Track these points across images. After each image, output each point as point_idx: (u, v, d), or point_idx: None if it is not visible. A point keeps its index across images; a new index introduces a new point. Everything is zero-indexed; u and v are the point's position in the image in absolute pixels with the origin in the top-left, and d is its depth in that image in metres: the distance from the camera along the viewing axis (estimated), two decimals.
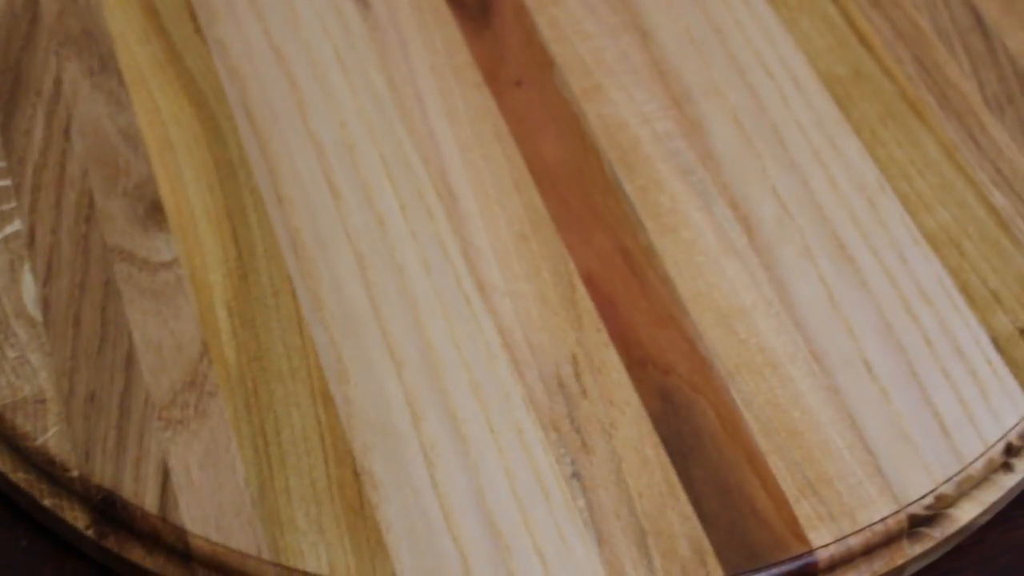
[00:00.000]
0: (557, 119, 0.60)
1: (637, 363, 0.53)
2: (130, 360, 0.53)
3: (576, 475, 0.50)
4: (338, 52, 0.62)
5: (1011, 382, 0.53)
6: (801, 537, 0.49)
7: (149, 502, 0.50)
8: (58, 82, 0.61)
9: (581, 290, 0.55)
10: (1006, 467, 0.52)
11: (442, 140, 0.59)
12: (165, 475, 0.50)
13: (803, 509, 0.50)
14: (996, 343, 0.54)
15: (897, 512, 0.50)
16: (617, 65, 0.62)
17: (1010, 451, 0.52)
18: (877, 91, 0.61)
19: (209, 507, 0.50)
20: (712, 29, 0.63)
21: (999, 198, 0.58)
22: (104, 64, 0.62)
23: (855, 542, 0.49)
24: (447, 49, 0.62)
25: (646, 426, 0.52)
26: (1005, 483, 0.52)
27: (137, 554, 0.49)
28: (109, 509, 0.50)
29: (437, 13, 0.63)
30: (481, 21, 0.63)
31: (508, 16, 0.63)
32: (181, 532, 0.49)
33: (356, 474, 0.50)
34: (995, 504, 0.51)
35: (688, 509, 0.50)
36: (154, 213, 0.57)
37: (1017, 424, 0.52)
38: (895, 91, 0.61)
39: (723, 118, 0.60)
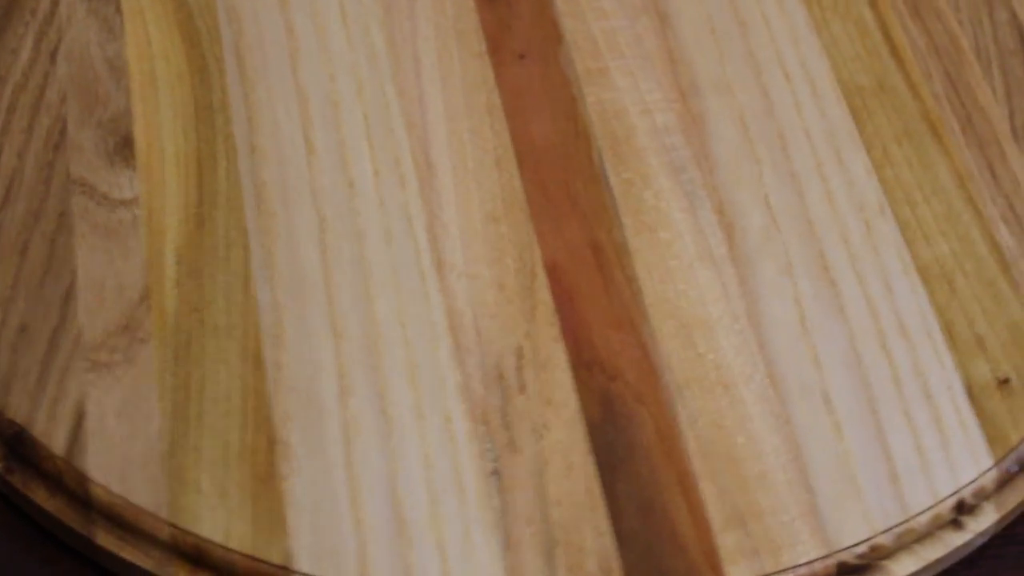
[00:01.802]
0: (554, 98, 0.58)
1: (584, 364, 0.51)
2: (69, 296, 0.52)
3: (496, 473, 0.48)
4: (343, 4, 0.60)
5: (977, 435, 0.50)
6: (717, 570, 0.47)
7: (57, 444, 0.49)
8: (55, 3, 0.60)
9: (542, 280, 0.52)
10: (955, 524, 0.48)
11: (430, 107, 0.57)
12: (79, 418, 0.49)
13: (726, 541, 0.47)
14: (969, 391, 0.51)
15: (826, 557, 0.47)
16: (628, 48, 0.59)
17: (962, 508, 0.48)
18: (898, 107, 0.58)
19: (117, 457, 0.48)
20: (736, 21, 0.60)
21: (1006, 236, 0.54)
22: None
23: None
24: (455, 12, 0.60)
25: (579, 431, 0.49)
26: (952, 541, 0.48)
27: (40, 495, 0.48)
28: (18, 445, 0.48)
29: None
30: None
31: None
32: (83, 478, 0.48)
33: (271, 442, 0.49)
34: (938, 562, 0.48)
35: (605, 524, 0.47)
36: (123, 149, 0.55)
37: (974, 480, 0.49)
38: (917, 109, 0.58)
39: (728, 117, 0.57)
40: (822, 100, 0.58)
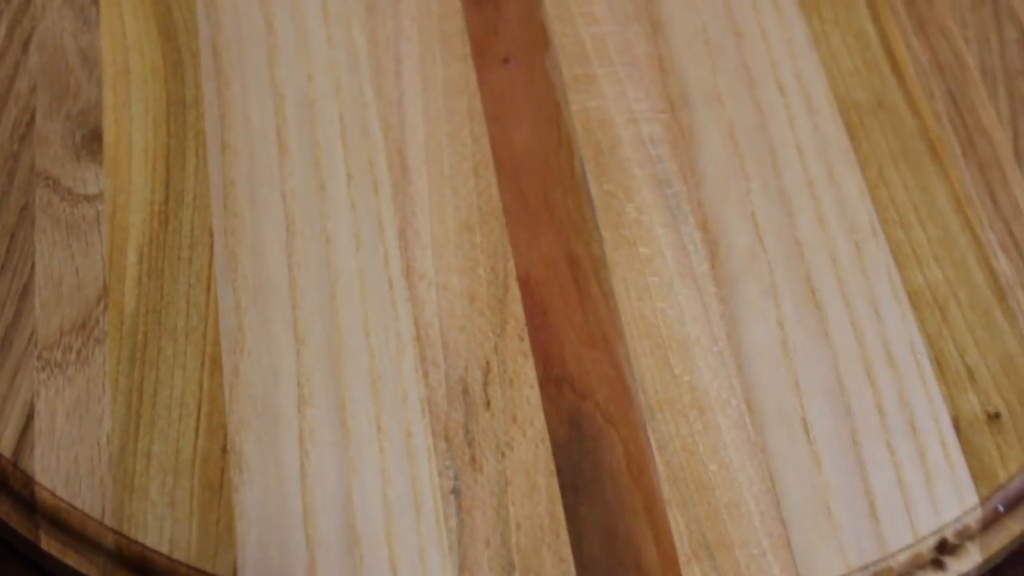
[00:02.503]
0: (537, 105, 0.56)
1: (553, 381, 0.49)
2: (26, 292, 0.50)
3: (456, 491, 0.46)
4: (325, 0, 0.58)
5: (963, 471, 0.47)
6: None
7: (4, 444, 0.47)
8: None
9: (515, 293, 0.50)
10: (936, 565, 0.46)
11: (409, 109, 0.55)
12: (29, 418, 0.47)
13: (692, 572, 0.45)
14: (957, 425, 0.48)
15: None
16: (617, 55, 0.57)
17: (944, 548, 0.46)
18: (897, 125, 0.56)
19: (64, 460, 0.47)
20: (732, 31, 0.58)
21: (1003, 264, 0.52)
22: None
23: None
24: (441, 12, 0.58)
25: (544, 451, 0.47)
26: None
27: None
28: None
29: None
30: None
31: None
32: (29, 480, 0.46)
33: (224, 451, 0.47)
34: None
35: (566, 550, 0.45)
36: (91, 142, 0.54)
37: (958, 519, 0.46)
38: (917, 127, 0.56)
39: (718, 130, 0.55)
40: (817, 116, 0.56)
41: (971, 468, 0.48)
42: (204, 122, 0.54)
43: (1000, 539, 0.47)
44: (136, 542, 0.45)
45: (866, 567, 0.45)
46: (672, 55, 0.57)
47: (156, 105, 0.55)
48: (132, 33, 0.57)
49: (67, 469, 0.46)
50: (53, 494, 0.46)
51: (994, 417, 0.49)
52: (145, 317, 0.49)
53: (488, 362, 0.49)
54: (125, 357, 0.48)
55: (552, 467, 0.47)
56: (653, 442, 0.47)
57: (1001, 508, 0.47)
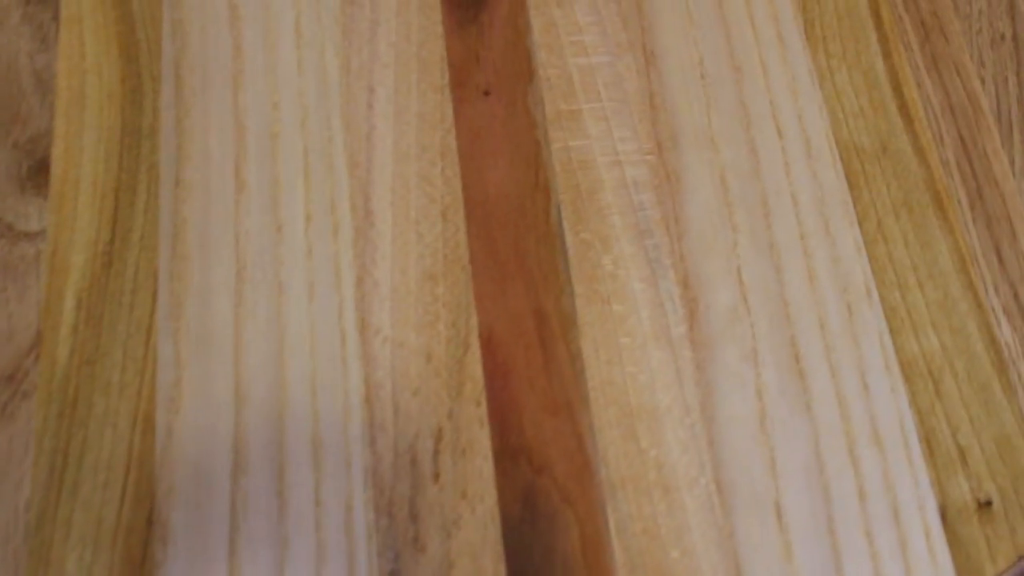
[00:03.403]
0: (516, 143, 0.52)
1: (509, 453, 0.45)
2: None
3: (394, 574, 0.43)
4: (299, 21, 0.55)
5: (947, 565, 0.43)
6: None
7: None
8: None
9: (475, 352, 0.47)
10: None
11: (379, 144, 0.51)
12: None
13: None
14: (944, 513, 0.44)
15: None
16: (606, 90, 0.53)
17: None
18: (901, 173, 0.51)
19: None
20: (731, 66, 0.54)
21: (1006, 332, 0.48)
22: None
23: None
24: (420, 38, 0.54)
25: (494, 532, 0.44)
26: None
27: None
28: None
29: None
30: (470, 12, 0.55)
31: (501, 11, 0.55)
32: None
33: (150, 522, 0.43)
34: None
35: None
36: (37, 174, 0.50)
37: None
38: (922, 176, 0.51)
39: (708, 175, 0.51)
40: (816, 161, 0.52)
41: (956, 562, 0.44)
42: (159, 154, 0.51)
43: None
44: None
45: None
46: (664, 90, 0.53)
47: (110, 134, 0.52)
48: (92, 54, 0.54)
49: None
50: None
51: (985, 505, 0.45)
52: (78, 370, 0.46)
53: (441, 429, 0.45)
54: (53, 414, 0.45)
55: (500, 550, 0.43)
56: (612, 523, 0.44)
57: None
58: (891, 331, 0.48)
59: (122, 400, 0.46)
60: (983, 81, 0.54)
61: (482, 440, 0.45)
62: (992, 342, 0.48)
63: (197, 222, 0.49)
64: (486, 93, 0.53)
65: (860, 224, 0.50)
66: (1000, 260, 0.50)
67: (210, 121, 0.52)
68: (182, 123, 0.52)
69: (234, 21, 0.55)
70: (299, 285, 0.48)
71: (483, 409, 0.46)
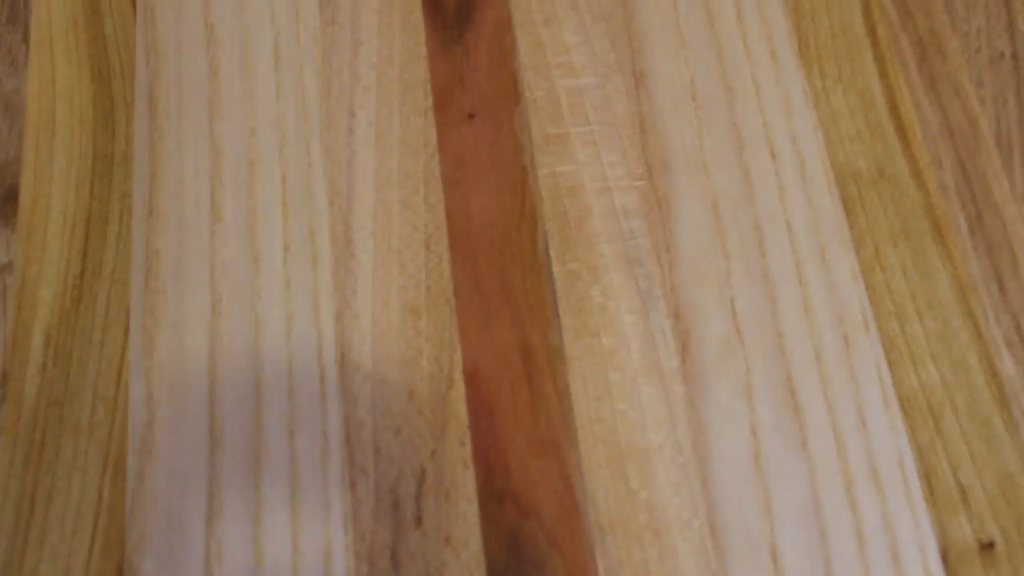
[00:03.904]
0: (501, 168, 0.50)
1: (495, 496, 0.43)
2: None
3: None
4: (278, 42, 0.53)
5: None
6: None
7: None
8: None
9: (459, 389, 0.45)
10: None
11: (360, 171, 0.50)
12: None
13: None
14: (945, 556, 0.43)
15: None
16: (595, 112, 0.51)
17: None
18: (899, 198, 0.50)
19: None
20: (723, 87, 0.52)
21: (1008, 364, 0.46)
22: (14, 14, 0.54)
23: None
24: (403, 59, 0.52)
25: None
26: None
27: None
28: None
29: (408, 15, 0.53)
30: (455, 32, 0.53)
31: (486, 30, 0.53)
32: None
33: (120, 572, 0.42)
34: None
35: None
36: (5, 204, 0.49)
37: None
38: (921, 202, 0.50)
39: (700, 200, 0.49)
40: (811, 185, 0.50)
41: None
42: (132, 182, 0.49)
43: None
44: None
45: None
46: (655, 112, 0.52)
47: (81, 162, 0.50)
48: (63, 77, 0.52)
49: None
50: None
51: (987, 547, 0.43)
52: (46, 411, 0.44)
53: (424, 470, 0.44)
54: (20, 458, 0.44)
55: None
56: (601, 569, 0.42)
57: None
58: (889, 364, 0.46)
59: (92, 442, 0.44)
60: (982, 101, 0.52)
61: (466, 482, 0.44)
62: (993, 375, 0.46)
63: (171, 254, 0.48)
64: (471, 116, 0.51)
65: (857, 251, 0.49)
66: (1001, 289, 0.48)
67: (185, 148, 0.50)
68: (156, 150, 0.50)
69: (210, 42, 0.53)
70: (277, 319, 0.46)
71: (467, 449, 0.44)
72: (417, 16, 0.54)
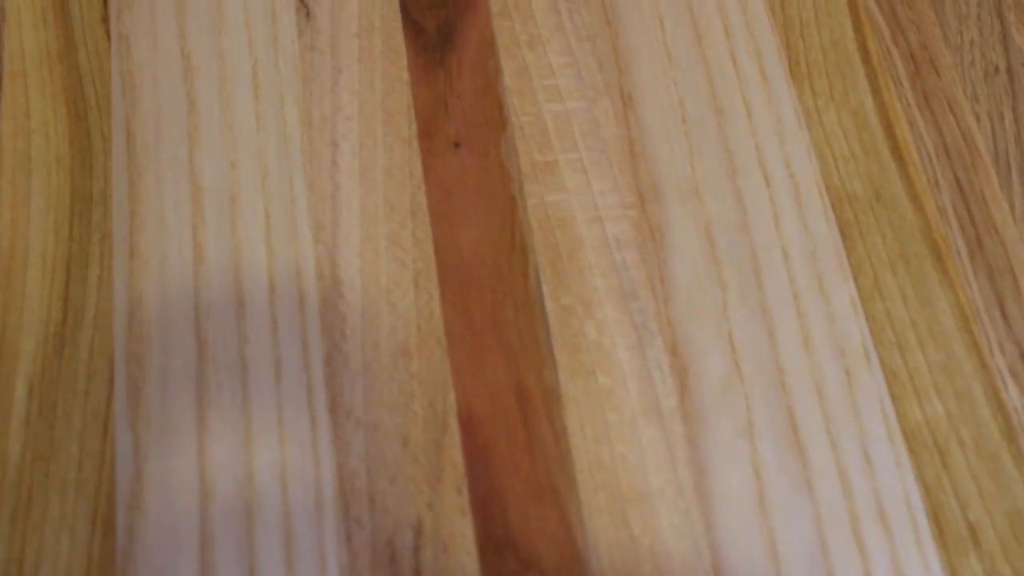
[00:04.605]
0: (490, 199, 0.49)
1: (494, 546, 0.42)
2: None
3: None
4: (256, 71, 0.51)
5: None
6: None
7: None
8: None
9: (454, 435, 0.44)
10: None
11: (345, 205, 0.48)
12: None
13: None
14: None
15: None
16: (583, 138, 0.50)
17: None
18: (897, 222, 0.49)
19: None
20: (713, 108, 0.51)
21: (1014, 395, 0.45)
22: None
23: None
24: (385, 86, 0.51)
25: None
26: None
27: None
28: None
29: (389, 39, 0.52)
30: (437, 56, 0.52)
31: (471, 53, 0.52)
32: None
33: None
34: None
35: None
36: None
37: None
38: (919, 226, 0.49)
39: (693, 229, 0.48)
40: (807, 210, 0.49)
41: None
42: (112, 222, 0.48)
43: None
44: None
45: None
46: (645, 136, 0.51)
47: (59, 200, 0.48)
48: (37, 113, 0.50)
49: None
50: None
51: None
52: (32, 467, 0.43)
53: (420, 521, 0.43)
54: (5, 518, 0.42)
55: None
56: None
57: None
58: (893, 397, 0.45)
59: (79, 499, 0.43)
60: (978, 118, 0.51)
61: (465, 532, 0.43)
62: (1000, 407, 0.45)
63: (154, 296, 0.46)
64: (456, 145, 0.50)
65: (855, 279, 0.48)
66: (1004, 316, 0.47)
67: (164, 184, 0.49)
68: (135, 187, 0.49)
69: (187, 71, 0.51)
70: (264, 364, 0.45)
71: (465, 498, 0.43)
72: (399, 40, 0.52)
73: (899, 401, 0.45)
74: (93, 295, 0.46)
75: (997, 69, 0.53)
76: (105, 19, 0.53)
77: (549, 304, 0.47)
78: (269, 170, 0.49)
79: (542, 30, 0.52)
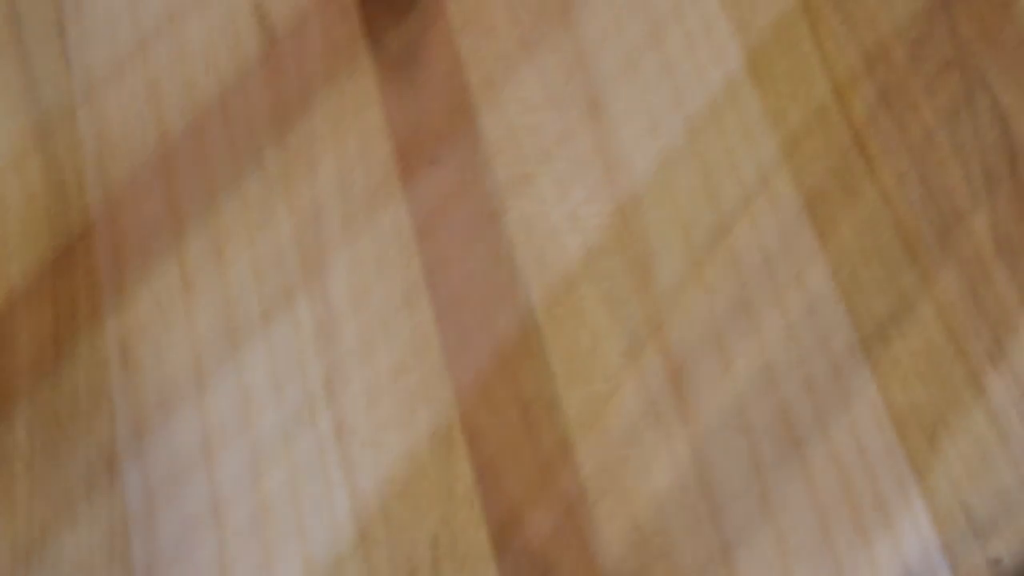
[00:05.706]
0: (472, 214, 0.49)
1: (511, 556, 0.43)
2: None
3: None
4: (225, 100, 0.51)
5: None
6: None
7: None
8: None
9: (461, 448, 0.44)
10: None
11: (327, 227, 0.49)
12: None
13: None
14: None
15: None
16: (557, 147, 0.51)
17: None
18: (869, 218, 0.50)
19: None
20: (680, 115, 0.52)
21: (992, 379, 0.47)
22: None
23: None
24: (357, 105, 0.51)
25: None
26: None
27: None
28: None
29: (354, 57, 0.52)
30: (404, 73, 0.52)
31: (437, 69, 0.52)
32: None
33: None
34: None
35: None
36: None
37: None
38: (889, 219, 0.50)
39: (673, 231, 0.49)
40: (781, 210, 0.51)
41: None
42: (95, 257, 0.48)
43: None
44: None
45: None
46: (616, 143, 0.51)
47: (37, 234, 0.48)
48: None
49: None
50: None
51: (995, 563, 0.44)
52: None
53: (436, 536, 0.43)
54: (21, 557, 0.42)
55: None
56: None
57: None
58: (878, 387, 0.47)
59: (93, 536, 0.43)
60: (936, 113, 0.53)
61: (480, 543, 0.43)
62: (979, 392, 0.47)
63: (150, 327, 0.46)
64: (433, 161, 0.51)
65: (833, 275, 0.49)
66: (976, 302, 0.49)
67: (143, 214, 0.49)
68: (116, 222, 0.49)
69: (152, 100, 0.51)
70: (263, 387, 0.45)
71: (477, 510, 0.44)
72: (364, 58, 0.53)
73: (884, 390, 0.47)
74: (84, 327, 0.46)
75: (948, 63, 0.54)
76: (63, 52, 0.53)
77: (540, 315, 0.48)
78: (248, 196, 0.50)
79: (504, 44, 0.53)
